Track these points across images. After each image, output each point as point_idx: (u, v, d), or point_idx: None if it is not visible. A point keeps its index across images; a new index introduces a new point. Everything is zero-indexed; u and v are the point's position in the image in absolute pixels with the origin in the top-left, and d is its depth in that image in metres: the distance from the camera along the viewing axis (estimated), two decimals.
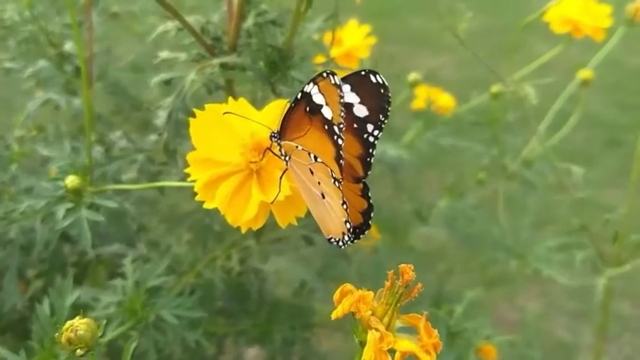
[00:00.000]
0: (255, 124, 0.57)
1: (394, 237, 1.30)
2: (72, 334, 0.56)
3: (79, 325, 0.56)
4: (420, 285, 0.53)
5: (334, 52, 1.06)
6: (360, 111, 0.55)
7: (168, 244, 0.96)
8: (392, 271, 0.54)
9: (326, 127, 0.51)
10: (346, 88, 0.55)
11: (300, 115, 0.53)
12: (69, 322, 0.57)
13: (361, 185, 0.57)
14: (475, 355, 0.94)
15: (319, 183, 0.54)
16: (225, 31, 0.79)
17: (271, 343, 1.02)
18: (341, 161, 0.52)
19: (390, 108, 0.56)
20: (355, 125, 0.55)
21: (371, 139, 0.56)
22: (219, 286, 0.89)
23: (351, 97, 0.55)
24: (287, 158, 0.56)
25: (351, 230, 0.55)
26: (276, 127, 0.56)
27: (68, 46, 1.14)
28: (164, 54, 0.76)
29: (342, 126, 0.51)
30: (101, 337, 0.76)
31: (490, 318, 1.14)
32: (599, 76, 1.31)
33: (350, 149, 0.55)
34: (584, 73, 1.31)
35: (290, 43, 0.76)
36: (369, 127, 0.56)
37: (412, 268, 0.53)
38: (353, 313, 0.53)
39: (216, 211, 0.88)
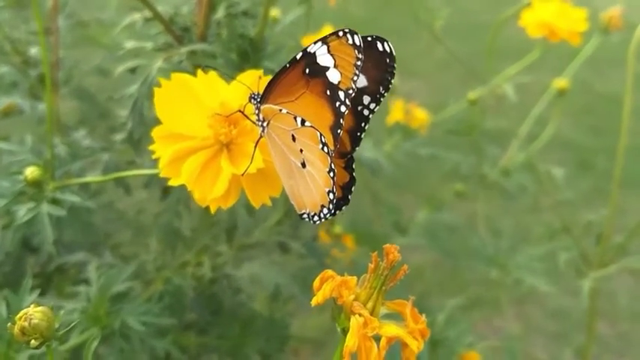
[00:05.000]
0: (224, 94, 0.53)
1: (372, 249, 1.26)
2: (25, 323, 0.50)
3: (34, 313, 0.51)
4: (406, 266, 0.50)
5: None
6: (358, 81, 0.50)
7: (136, 251, 0.91)
8: (375, 252, 0.50)
9: (328, 92, 0.48)
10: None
11: (294, 78, 0.50)
12: (23, 311, 0.51)
13: (345, 158, 0.54)
14: None
15: (302, 150, 0.50)
16: (194, 22, 0.76)
17: (245, 357, 0.97)
18: (339, 131, 0.49)
19: (392, 81, 0.52)
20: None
21: (366, 112, 0.52)
22: (189, 293, 0.84)
23: None
24: (264, 124, 0.52)
25: (334, 201, 0.51)
26: (255, 90, 0.53)
27: (33, 52, 1.10)
28: (130, 44, 0.73)
29: (351, 92, 0.48)
30: (63, 343, 0.72)
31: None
32: (570, 100, 1.32)
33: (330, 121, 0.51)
34: (560, 83, 1.31)
35: (262, 32, 0.74)
36: (366, 99, 0.52)
37: (397, 248, 0.49)
38: (335, 300, 0.50)
39: (185, 213, 0.85)
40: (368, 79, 0.52)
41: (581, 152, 2.82)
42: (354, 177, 0.54)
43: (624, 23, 1.19)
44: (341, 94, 0.48)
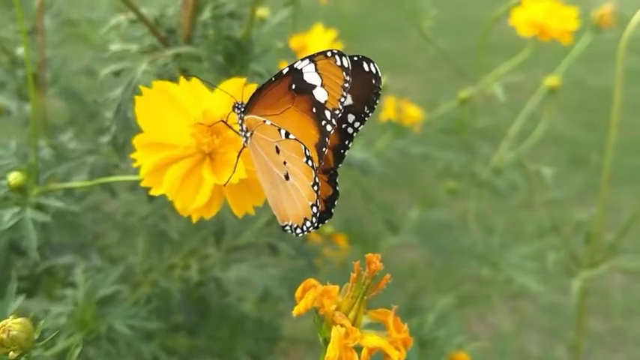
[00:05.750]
0: (207, 102, 0.53)
1: (364, 249, 1.27)
2: (4, 335, 0.50)
3: (12, 325, 0.50)
4: (388, 276, 0.50)
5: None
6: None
7: (123, 253, 0.90)
8: (357, 261, 0.50)
9: (314, 110, 0.49)
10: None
11: (280, 92, 0.50)
12: (1, 323, 0.51)
13: (329, 174, 0.54)
14: None
15: (285, 163, 0.51)
16: (179, 24, 0.75)
17: (235, 359, 0.97)
18: (324, 149, 0.50)
19: (377, 101, 0.53)
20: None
21: (350, 130, 0.53)
22: (176, 296, 0.84)
23: None
24: (247, 134, 0.52)
25: (317, 215, 0.51)
26: (239, 100, 0.53)
27: (20, 51, 1.09)
28: (115, 46, 0.72)
29: (338, 112, 0.49)
30: (49, 348, 0.72)
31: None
32: (564, 96, 1.32)
33: (315, 138, 0.51)
34: (551, 81, 1.31)
35: (248, 34, 0.73)
36: (350, 118, 0.53)
37: (379, 258, 0.49)
38: (316, 309, 0.49)
39: (172, 216, 0.84)
40: (353, 98, 0.52)
41: (575, 148, 2.82)
42: (337, 191, 0.54)
43: (617, 19, 1.19)
44: (327, 114, 0.49)
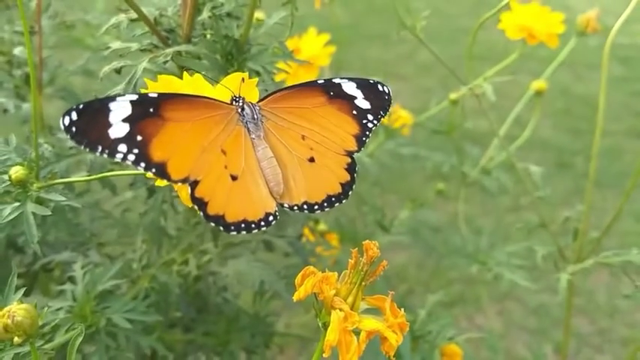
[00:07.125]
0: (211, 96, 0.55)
1: (356, 247, 1.28)
2: (9, 321, 0.51)
3: (17, 310, 0.51)
4: (385, 262, 0.52)
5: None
6: (363, 104, 0.64)
7: (122, 250, 0.91)
8: (356, 249, 0.52)
9: (354, 112, 0.63)
10: (352, 85, 0.65)
11: (314, 93, 0.63)
12: (6, 308, 0.52)
13: (349, 160, 0.63)
14: (440, 358, 0.92)
15: (312, 149, 0.62)
16: (179, 24, 0.77)
17: (230, 354, 0.98)
18: (364, 138, 0.63)
19: (389, 108, 0.66)
20: (355, 112, 0.64)
21: (370, 124, 0.65)
22: (175, 291, 0.85)
23: (355, 92, 0.65)
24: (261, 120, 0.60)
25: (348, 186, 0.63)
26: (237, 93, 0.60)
27: (17, 51, 1.10)
28: (115, 44, 0.74)
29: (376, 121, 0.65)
30: (48, 342, 0.72)
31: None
32: (549, 102, 1.34)
33: (347, 128, 0.64)
34: (538, 84, 1.33)
35: (246, 34, 0.75)
36: (370, 116, 0.65)
37: (377, 244, 0.51)
38: (316, 295, 0.51)
39: (170, 212, 0.86)
40: (370, 104, 0.65)
41: (561, 153, 2.86)
42: (354, 177, 0.63)
43: (601, 27, 1.21)
44: (369, 116, 0.64)
